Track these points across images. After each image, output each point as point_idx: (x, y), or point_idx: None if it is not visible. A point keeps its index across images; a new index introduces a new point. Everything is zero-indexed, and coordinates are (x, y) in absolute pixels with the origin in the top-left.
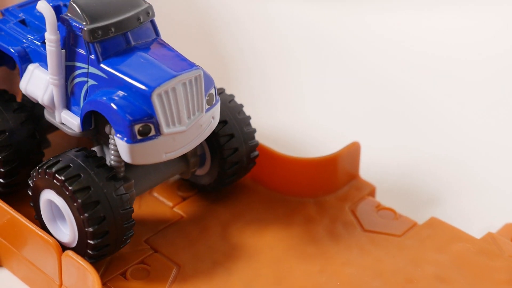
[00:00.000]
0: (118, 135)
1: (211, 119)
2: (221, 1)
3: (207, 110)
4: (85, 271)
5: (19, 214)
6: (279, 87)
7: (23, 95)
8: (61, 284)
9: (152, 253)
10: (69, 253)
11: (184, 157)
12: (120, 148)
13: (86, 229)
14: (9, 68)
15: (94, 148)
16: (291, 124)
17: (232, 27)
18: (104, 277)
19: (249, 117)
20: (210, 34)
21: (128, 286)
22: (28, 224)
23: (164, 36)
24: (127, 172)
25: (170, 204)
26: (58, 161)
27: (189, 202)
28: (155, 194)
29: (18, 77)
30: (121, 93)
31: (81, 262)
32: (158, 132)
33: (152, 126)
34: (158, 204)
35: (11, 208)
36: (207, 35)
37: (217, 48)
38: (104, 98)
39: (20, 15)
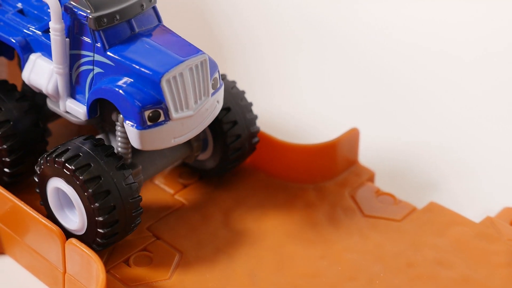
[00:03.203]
0: (128, 121)
1: (216, 103)
2: None
3: (212, 94)
4: (89, 259)
5: (22, 202)
6: (277, 74)
7: (23, 85)
8: (65, 271)
9: (154, 240)
10: (73, 240)
11: (187, 142)
12: (130, 134)
13: (96, 218)
14: (8, 58)
15: (99, 136)
16: (290, 111)
17: (230, 14)
18: (107, 264)
19: (251, 104)
20: (207, 21)
21: (131, 273)
22: (32, 212)
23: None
24: (133, 158)
25: (171, 191)
26: (67, 150)
27: (190, 189)
28: (156, 182)
29: (17, 67)
30: (128, 80)
31: (85, 250)
32: (167, 117)
33: (161, 111)
34: (159, 191)
35: (13, 196)
36: (204, 22)
37: (214, 36)
38: (113, 85)
39: (18, 5)
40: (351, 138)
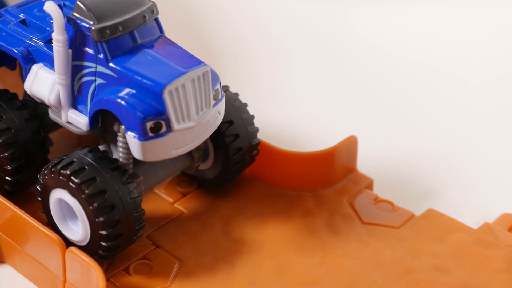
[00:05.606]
0: (129, 132)
1: (217, 114)
2: None
3: (214, 105)
4: (89, 267)
5: (22, 211)
6: (274, 82)
7: (25, 94)
8: (65, 280)
9: (154, 249)
10: (73, 249)
11: (189, 152)
12: (132, 145)
13: (100, 232)
14: (10, 68)
15: (101, 146)
16: (288, 119)
17: (222, 23)
18: (107, 272)
19: (253, 117)
20: (199, 30)
21: (131, 282)
22: (32, 221)
23: None
24: (134, 169)
25: (171, 200)
26: (72, 162)
27: (189, 198)
28: (156, 191)
29: (14, 76)
30: (130, 91)
31: (85, 258)
32: (169, 128)
33: (163, 123)
34: (158, 200)
35: (13, 204)
36: (197, 32)
37: (207, 45)
38: (115, 96)
39: (20, 16)
40: (349, 145)
